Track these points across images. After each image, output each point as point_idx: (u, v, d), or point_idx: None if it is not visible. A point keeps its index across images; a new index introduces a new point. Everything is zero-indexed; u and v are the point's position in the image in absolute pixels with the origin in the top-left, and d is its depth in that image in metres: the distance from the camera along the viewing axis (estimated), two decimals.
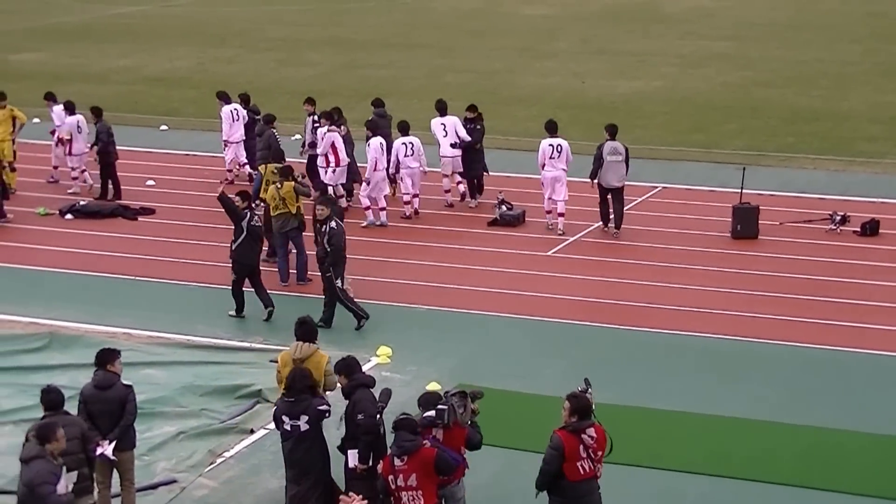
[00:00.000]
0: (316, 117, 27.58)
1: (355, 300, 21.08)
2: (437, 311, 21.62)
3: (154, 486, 15.94)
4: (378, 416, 13.83)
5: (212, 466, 16.49)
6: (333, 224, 20.50)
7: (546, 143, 25.92)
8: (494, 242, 25.37)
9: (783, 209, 27.13)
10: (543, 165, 25.83)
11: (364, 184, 26.78)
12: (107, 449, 14.36)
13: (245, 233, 21.13)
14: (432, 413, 13.35)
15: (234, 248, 21.29)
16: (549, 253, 24.82)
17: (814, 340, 20.46)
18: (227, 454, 16.83)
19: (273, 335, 20.54)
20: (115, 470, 14.78)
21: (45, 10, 58.77)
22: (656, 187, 29.18)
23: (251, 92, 31.09)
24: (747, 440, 17.07)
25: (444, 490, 13.40)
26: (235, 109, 29.23)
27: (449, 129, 27.74)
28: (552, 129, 26.24)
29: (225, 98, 29.54)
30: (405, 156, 26.94)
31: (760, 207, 25.77)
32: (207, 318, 21.48)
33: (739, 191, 26.13)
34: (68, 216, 27.18)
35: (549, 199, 26.00)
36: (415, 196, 27.32)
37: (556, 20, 54.75)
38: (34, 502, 12.50)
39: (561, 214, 25.85)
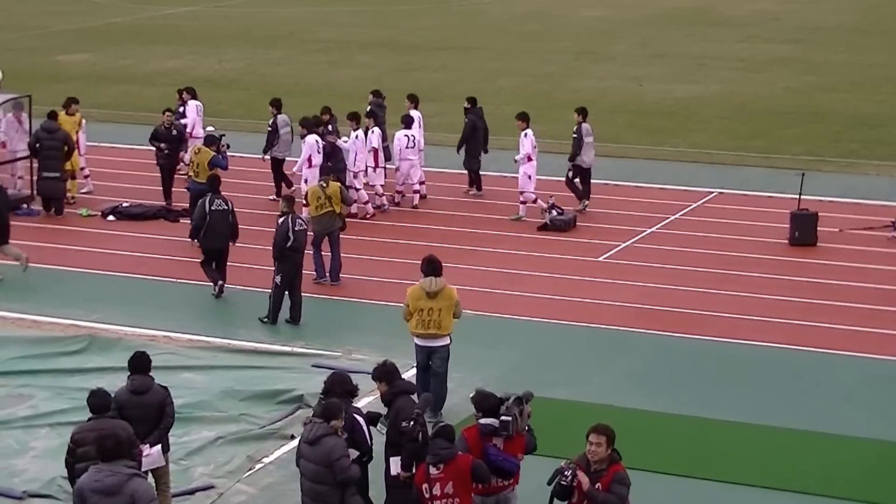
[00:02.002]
0: (272, 119, 28.15)
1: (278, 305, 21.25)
2: (484, 317, 21.23)
3: (192, 492, 15.77)
4: (412, 422, 13.57)
5: (250, 472, 16.29)
6: (280, 221, 20.97)
7: (531, 134, 26.79)
8: (544, 247, 25.02)
9: (843, 216, 26.59)
10: (529, 157, 26.59)
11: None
12: (152, 453, 14.22)
13: (209, 218, 22.03)
14: (494, 422, 13.19)
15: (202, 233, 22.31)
16: (600, 258, 24.45)
17: (875, 351, 20.02)
18: (266, 460, 16.62)
19: (314, 340, 20.37)
20: (149, 475, 14.52)
21: (96, 11, 58.82)
22: (712, 193, 28.67)
23: (300, 95, 30.89)
24: (806, 453, 16.74)
25: (500, 496, 13.33)
26: (200, 106, 29.89)
27: (422, 123, 28.75)
28: (528, 119, 27.08)
29: (193, 94, 30.04)
30: (406, 147, 27.50)
31: (820, 214, 25.32)
32: (248, 321, 21.27)
33: (798, 197, 25.52)
34: (110, 217, 27.10)
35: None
36: (414, 187, 27.90)
37: (612, 22, 54.21)
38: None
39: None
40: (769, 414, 17.68)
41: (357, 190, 26.88)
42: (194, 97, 30.06)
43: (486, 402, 13.32)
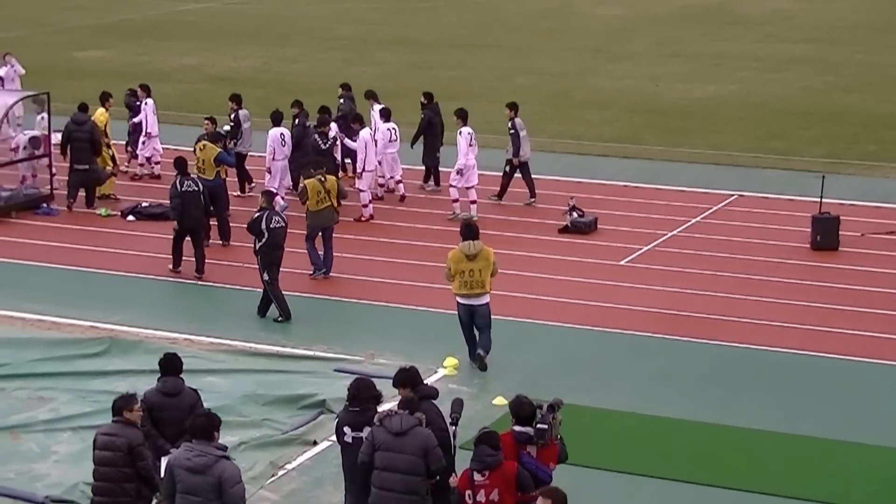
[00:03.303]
0: (233, 114, 28.23)
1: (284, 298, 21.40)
2: (505, 321, 20.99)
3: None
4: (454, 426, 13.45)
5: (273, 478, 16.18)
6: (255, 216, 21.18)
7: (467, 132, 26.55)
8: (565, 250, 24.87)
9: (865, 219, 26.41)
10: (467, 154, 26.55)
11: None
12: None
13: (181, 199, 22.76)
14: (529, 431, 13.13)
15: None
16: (622, 262, 24.28)
17: None
18: (289, 466, 16.51)
19: (335, 343, 20.23)
20: None
21: (112, 6, 58.72)
22: (732, 195, 28.52)
23: (316, 92, 30.86)
24: (828, 462, 16.62)
25: None
26: (153, 105, 29.82)
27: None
28: (466, 116, 26.88)
29: (147, 91, 29.95)
30: (390, 141, 27.58)
31: (841, 217, 25.10)
32: (270, 324, 21.19)
33: (819, 200, 25.40)
34: (130, 218, 27.00)
35: (469, 188, 26.47)
36: (398, 181, 27.98)
37: (630, 21, 54.04)
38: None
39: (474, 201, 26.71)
40: (790, 421, 17.56)
41: (362, 191, 26.79)
42: (149, 95, 29.86)
43: (521, 410, 13.21)
